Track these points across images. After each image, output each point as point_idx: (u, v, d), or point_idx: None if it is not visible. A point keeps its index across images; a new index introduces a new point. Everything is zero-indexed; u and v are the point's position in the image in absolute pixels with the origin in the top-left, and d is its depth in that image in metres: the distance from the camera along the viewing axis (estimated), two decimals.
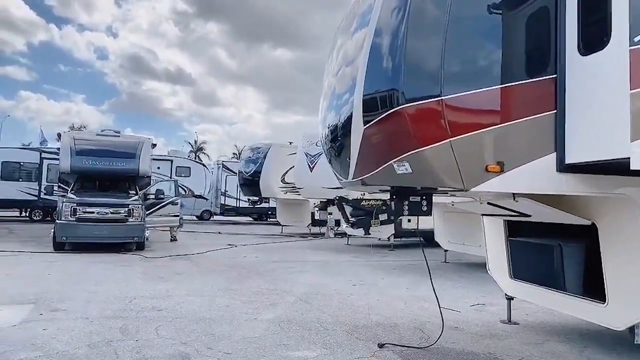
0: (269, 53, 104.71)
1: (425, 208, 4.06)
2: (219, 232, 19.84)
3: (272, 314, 6.01)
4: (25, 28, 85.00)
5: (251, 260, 11.43)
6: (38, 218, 22.92)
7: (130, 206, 12.21)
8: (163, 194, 14.15)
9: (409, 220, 4.19)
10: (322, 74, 5.31)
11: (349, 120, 3.93)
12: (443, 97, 3.25)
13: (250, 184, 19.00)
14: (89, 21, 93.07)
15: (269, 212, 27.50)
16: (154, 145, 14.66)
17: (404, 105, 3.28)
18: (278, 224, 21.10)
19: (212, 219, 29.14)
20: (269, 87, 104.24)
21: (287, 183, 18.08)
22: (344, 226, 15.21)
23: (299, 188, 16.03)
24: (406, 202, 4.00)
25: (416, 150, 3.29)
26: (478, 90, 3.36)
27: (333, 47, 4.95)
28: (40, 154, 23.18)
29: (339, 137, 4.32)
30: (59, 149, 14.66)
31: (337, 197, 13.18)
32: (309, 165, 15.00)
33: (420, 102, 3.29)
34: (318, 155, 14.28)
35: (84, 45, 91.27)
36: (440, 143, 3.25)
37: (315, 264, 11.19)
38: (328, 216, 17.65)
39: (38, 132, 29.38)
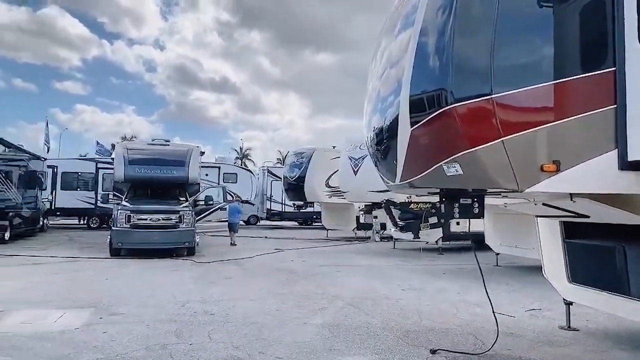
0: (310, 58, 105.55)
1: (476, 210, 3.94)
2: (266, 237, 20.11)
3: (322, 319, 6.02)
4: (79, 45, 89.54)
5: (298, 265, 11.51)
6: (95, 225, 23.97)
7: (180, 212, 12.59)
8: (212, 200, 14.51)
9: (458, 223, 4.05)
10: (366, 77, 5.28)
11: (395, 122, 3.88)
12: (493, 96, 3.15)
13: (295, 188, 19.16)
14: (137, 35, 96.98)
15: (314, 217, 27.61)
16: (202, 153, 15.06)
17: (453, 105, 3.21)
18: (323, 228, 21.15)
19: (258, 223, 29.61)
20: (311, 92, 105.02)
21: (332, 187, 18.12)
22: (391, 230, 15.05)
23: (344, 192, 16.03)
24: (457, 205, 3.90)
25: (467, 151, 3.20)
26: (530, 87, 3.24)
27: (377, 50, 4.91)
28: (96, 164, 24.32)
29: (385, 140, 4.28)
30: (113, 158, 15.33)
31: (384, 201, 13.06)
32: (353, 169, 14.97)
33: (470, 101, 3.21)
34: (362, 158, 14.24)
35: (134, 59, 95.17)
36: (492, 143, 3.15)
37: (362, 268, 11.13)
38: (373, 220, 17.54)
39: (93, 144, 30.88)
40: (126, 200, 13.17)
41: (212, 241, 17.31)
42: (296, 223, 30.42)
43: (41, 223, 20.52)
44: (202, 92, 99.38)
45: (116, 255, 12.28)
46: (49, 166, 22.68)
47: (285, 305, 6.77)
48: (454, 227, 4.24)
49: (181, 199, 13.65)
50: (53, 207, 23.45)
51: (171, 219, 12.41)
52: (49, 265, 10.66)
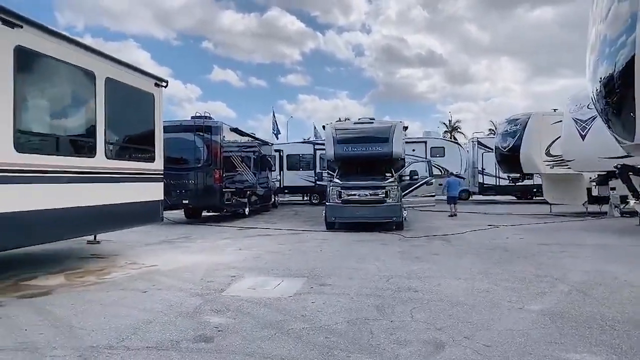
0: (525, 16, 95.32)
1: None
2: (478, 212, 19.01)
3: (541, 305, 5.25)
4: (298, 39, 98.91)
5: (514, 242, 10.47)
6: (316, 201, 26.27)
7: (386, 188, 12.74)
8: (417, 174, 14.29)
9: None
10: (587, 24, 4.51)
11: (629, 65, 3.03)
12: None
13: (509, 159, 17.51)
14: (346, 23, 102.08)
15: (534, 190, 24.93)
16: (405, 128, 14.91)
17: None
18: (545, 202, 18.91)
19: (470, 198, 28.26)
20: (527, 54, 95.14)
21: (553, 156, 15.95)
22: (632, 203, 12.47)
23: (569, 161, 13.92)
24: None
25: None
26: None
27: None
28: (314, 146, 26.58)
29: (616, 90, 3.40)
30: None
31: (619, 166, 10.83)
32: (580, 133, 12.81)
33: None
34: (591, 119, 12.06)
35: (344, 46, 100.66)
36: None
37: (594, 248, 9.50)
38: (610, 192, 14.85)
39: (312, 128, 33.81)
40: (337, 177, 13.93)
41: (422, 216, 17.16)
42: (513, 197, 28.01)
43: (272, 200, 23.48)
44: (408, 69, 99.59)
45: (331, 229, 13.15)
46: (276, 150, 25.72)
47: (497, 286, 6.15)
48: None
49: (387, 174, 13.79)
50: (281, 186, 26.59)
51: (378, 194, 12.66)
52: (277, 236, 12.00)
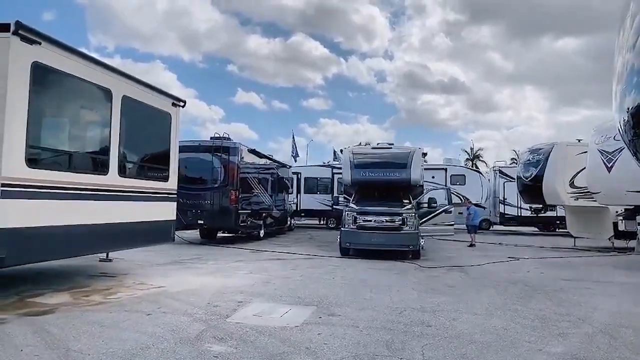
0: (549, 46, 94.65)
1: None
2: (500, 243, 18.49)
3: (563, 347, 4.91)
4: (321, 65, 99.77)
5: (536, 276, 10.04)
6: (332, 225, 25.99)
7: (404, 215, 12.45)
8: (435, 202, 13.98)
9: None
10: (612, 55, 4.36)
11: None
12: None
13: (531, 190, 17.07)
14: (369, 49, 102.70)
15: (557, 222, 24.22)
16: (424, 154, 14.70)
17: None
18: (569, 235, 18.29)
19: (491, 228, 27.61)
20: (551, 83, 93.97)
21: (578, 187, 15.47)
22: None
23: (594, 193, 13.44)
24: None
25: None
26: None
27: (624, 17, 3.84)
28: (332, 170, 26.47)
29: None
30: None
31: None
32: (606, 165, 12.39)
33: None
34: (618, 151, 11.65)
35: (366, 71, 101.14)
36: None
37: (621, 287, 9.03)
38: (638, 227, 14.22)
39: (331, 152, 33.82)
40: (353, 202, 13.71)
41: (440, 245, 16.75)
42: (536, 229, 27.27)
43: (289, 223, 23.31)
44: (430, 95, 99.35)
45: (345, 255, 12.87)
46: (293, 173, 25.69)
47: (515, 324, 5.81)
48: None
49: (405, 201, 13.50)
50: (298, 209, 26.44)
51: (394, 221, 12.38)
52: (289, 261, 11.78)
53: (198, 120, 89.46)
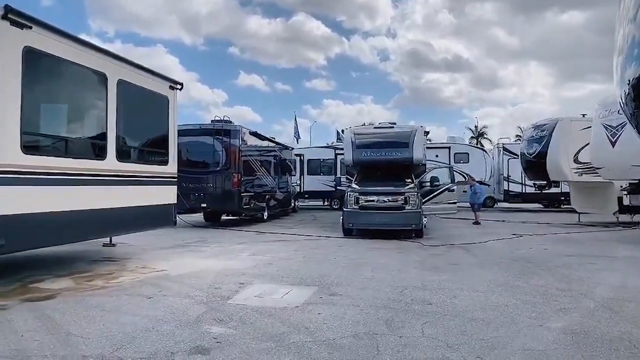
0: (554, 20, 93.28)
1: None
2: (503, 221, 18.45)
3: (563, 322, 4.89)
4: (323, 45, 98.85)
5: (539, 253, 10.01)
6: (336, 206, 25.94)
7: (406, 194, 12.40)
8: (438, 181, 13.91)
9: None
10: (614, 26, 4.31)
11: None
12: None
13: (535, 166, 16.92)
14: (371, 27, 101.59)
15: (562, 198, 24.09)
16: (426, 133, 14.59)
17: None
18: (574, 211, 18.22)
19: (495, 206, 27.54)
20: (556, 58, 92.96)
21: (582, 163, 15.32)
22: None
23: (598, 168, 13.32)
24: None
25: None
26: None
27: None
28: (335, 150, 26.36)
29: None
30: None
31: None
32: (610, 140, 12.23)
33: None
34: (621, 125, 11.49)
35: (369, 50, 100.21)
36: None
37: (626, 261, 9.00)
38: None
39: (334, 133, 33.63)
40: (355, 182, 13.66)
41: (444, 223, 16.73)
42: (540, 206, 27.16)
43: (292, 204, 23.32)
44: (434, 73, 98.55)
45: (348, 235, 12.87)
46: (296, 154, 25.60)
47: (516, 300, 5.80)
48: None
49: (407, 180, 13.42)
50: (302, 191, 26.43)
51: (397, 201, 12.34)
52: (292, 242, 11.80)
53: (202, 103, 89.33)
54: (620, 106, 4.18)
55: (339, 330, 4.54)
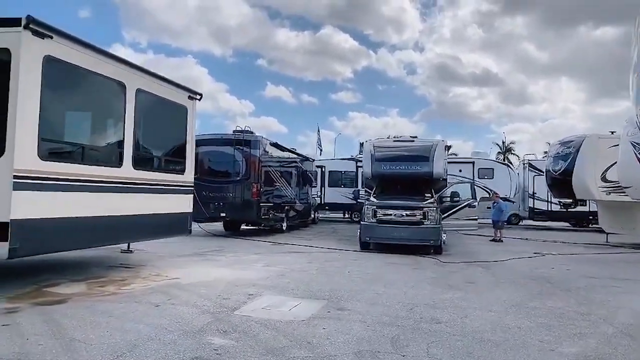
0: (587, 35, 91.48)
1: None
2: (526, 239, 17.98)
3: (577, 347, 4.69)
4: (350, 58, 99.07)
5: (560, 273, 9.68)
6: (356, 219, 25.77)
7: (425, 209, 12.20)
8: (458, 196, 13.67)
9: None
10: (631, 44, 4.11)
11: None
12: None
13: (560, 184, 16.50)
14: (399, 41, 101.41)
15: (590, 217, 23.35)
16: (448, 147, 14.38)
17: None
18: (602, 231, 17.62)
19: (520, 223, 26.90)
20: (588, 74, 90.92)
21: (610, 182, 14.84)
22: None
23: (626, 187, 12.86)
24: None
25: None
26: None
27: None
28: (356, 163, 26.27)
29: None
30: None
31: None
32: (638, 158, 11.80)
33: None
34: None
35: (395, 64, 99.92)
36: None
37: None
38: None
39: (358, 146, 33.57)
40: (374, 195, 13.54)
41: (465, 240, 16.40)
42: (567, 224, 26.39)
43: (312, 216, 23.29)
44: (462, 88, 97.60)
45: (365, 249, 12.74)
46: (318, 166, 25.62)
47: (530, 322, 5.59)
48: None
49: (426, 195, 13.23)
50: (322, 202, 26.38)
51: (415, 215, 12.15)
52: (307, 254, 11.74)
53: (229, 114, 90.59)
54: (637, 125, 4.00)
55: (342, 346, 4.45)
